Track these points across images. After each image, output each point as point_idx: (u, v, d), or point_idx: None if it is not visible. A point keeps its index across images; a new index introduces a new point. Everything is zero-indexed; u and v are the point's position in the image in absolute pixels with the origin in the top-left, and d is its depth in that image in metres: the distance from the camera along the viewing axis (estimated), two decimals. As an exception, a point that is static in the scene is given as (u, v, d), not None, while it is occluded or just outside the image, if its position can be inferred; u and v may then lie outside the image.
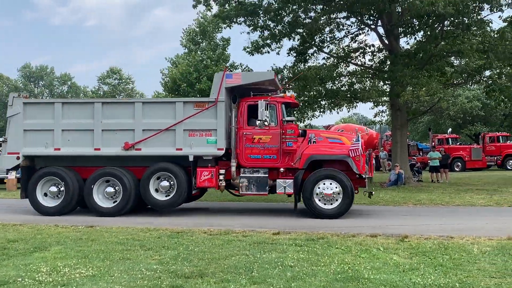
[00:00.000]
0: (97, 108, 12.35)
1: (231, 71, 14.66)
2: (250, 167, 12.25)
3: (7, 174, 20.31)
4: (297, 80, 20.62)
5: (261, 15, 21.77)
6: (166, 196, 12.30)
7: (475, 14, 20.19)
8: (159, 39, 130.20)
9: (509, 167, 34.56)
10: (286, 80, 21.34)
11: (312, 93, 22.30)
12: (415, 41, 22.21)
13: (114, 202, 12.35)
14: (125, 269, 6.62)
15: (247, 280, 6.01)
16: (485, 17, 20.56)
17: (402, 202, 15.01)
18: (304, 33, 22.13)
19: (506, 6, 20.69)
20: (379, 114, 26.16)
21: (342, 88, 23.09)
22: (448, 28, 20.91)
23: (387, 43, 21.64)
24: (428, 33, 20.76)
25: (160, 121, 12.19)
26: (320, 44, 23.43)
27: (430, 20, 20.45)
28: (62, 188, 12.45)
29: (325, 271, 6.42)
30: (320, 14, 21.09)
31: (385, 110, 26.57)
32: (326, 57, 23.95)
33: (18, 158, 12.54)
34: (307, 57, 23.54)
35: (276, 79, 12.75)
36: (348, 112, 40.96)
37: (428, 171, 25.86)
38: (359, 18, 22.30)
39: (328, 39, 23.66)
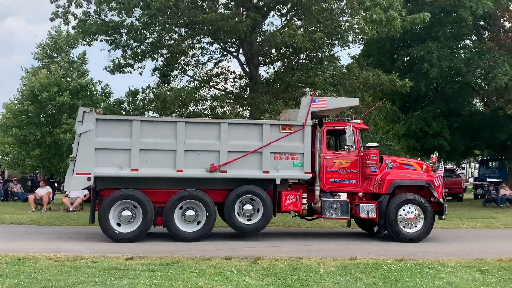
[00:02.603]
0: (180, 128, 11.46)
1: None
2: (330, 191, 12.23)
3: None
4: (156, 102, 20.44)
5: (124, 34, 21.33)
6: (247, 220, 11.79)
7: (328, 50, 21.92)
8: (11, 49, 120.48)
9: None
10: None
11: (173, 115, 22.21)
12: (274, 70, 23.39)
13: (192, 226, 11.55)
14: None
15: (93, 309, 5.68)
16: (335, 53, 22.44)
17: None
18: (168, 55, 22.11)
19: (354, 44, 22.85)
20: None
21: (204, 112, 23.37)
22: (304, 61, 22.37)
23: (248, 70, 22.45)
24: (285, 64, 21.98)
25: (246, 142, 11.74)
26: (184, 66, 23.58)
27: (287, 52, 21.72)
28: (137, 212, 11.34)
29: (177, 296, 6.32)
30: (184, 37, 21.26)
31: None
32: (189, 80, 24.18)
33: (89, 179, 11.10)
34: (171, 78, 23.53)
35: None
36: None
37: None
38: (222, 44, 22.88)
39: (193, 62, 23.94)
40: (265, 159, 11.73)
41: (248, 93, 22.62)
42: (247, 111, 23.32)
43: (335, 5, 19.51)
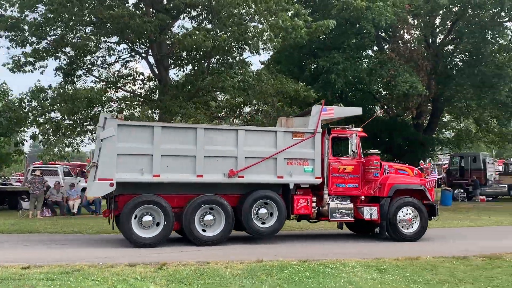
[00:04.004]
0: (200, 134, 11.77)
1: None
2: (335, 195, 12.85)
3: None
4: (65, 102, 19.45)
5: (26, 30, 20.09)
6: (262, 224, 12.16)
7: (238, 55, 22.12)
8: None
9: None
10: None
11: (79, 116, 21.28)
12: (184, 74, 23.17)
13: (210, 231, 11.80)
14: None
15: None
16: (246, 58, 22.69)
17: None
18: (73, 53, 21.15)
19: (264, 51, 23.32)
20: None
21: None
22: (214, 65, 22.38)
23: (157, 72, 22.05)
24: (196, 67, 21.85)
25: (262, 149, 12.24)
26: (90, 66, 22.66)
27: (198, 56, 21.62)
28: (158, 217, 11.43)
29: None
30: (89, 35, 20.46)
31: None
32: (95, 81, 23.27)
33: (111, 185, 11.06)
34: (75, 78, 22.50)
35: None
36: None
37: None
38: (130, 45, 22.30)
39: (99, 62, 23.07)
40: (279, 164, 12.30)
41: (157, 95, 22.23)
42: (156, 114, 22.88)
43: (244, 10, 19.72)
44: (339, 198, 12.96)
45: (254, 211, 12.15)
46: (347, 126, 13.64)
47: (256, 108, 24.16)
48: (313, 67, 28.17)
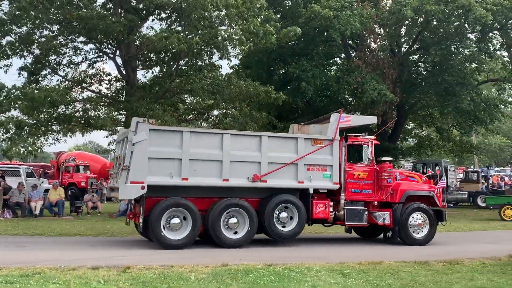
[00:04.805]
0: (226, 139, 12.09)
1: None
2: (350, 200, 13.19)
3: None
4: (25, 101, 19.00)
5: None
6: (282, 227, 12.50)
7: (207, 58, 22.10)
8: None
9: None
10: None
11: (42, 116, 20.81)
12: (152, 75, 22.98)
13: (234, 234, 12.14)
14: None
15: None
16: (215, 61, 22.68)
17: (129, 233, 14.99)
18: (38, 52, 20.70)
19: (234, 56, 23.38)
20: (113, 143, 25.92)
21: (76, 114, 22.19)
22: (183, 67, 22.30)
23: (125, 73, 21.82)
24: (164, 69, 21.71)
25: (284, 154, 12.58)
26: (55, 66, 22.22)
27: (167, 58, 21.50)
28: (184, 220, 11.73)
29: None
30: (56, 34, 20.09)
31: (121, 140, 26.53)
32: (61, 80, 22.81)
33: (143, 188, 11.30)
34: (40, 78, 22.03)
35: None
36: (82, 138, 39.53)
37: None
38: (98, 45, 21.99)
39: (65, 61, 22.65)
40: (300, 170, 12.68)
41: (124, 96, 21.97)
42: (123, 115, 22.60)
43: (215, 14, 19.74)
44: (354, 203, 13.37)
45: (276, 215, 12.48)
46: (360, 134, 14.15)
47: (224, 111, 24.18)
48: (282, 72, 28.36)
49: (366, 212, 13.36)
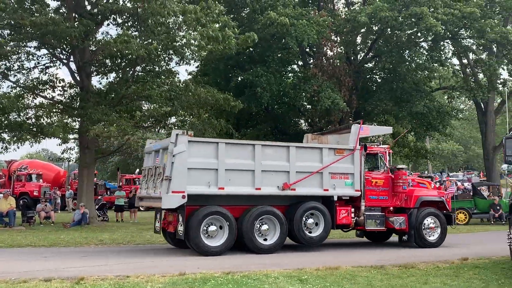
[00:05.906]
0: (258, 150, 12.75)
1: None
2: (369, 206, 13.97)
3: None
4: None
5: None
6: (308, 233, 13.14)
7: (165, 64, 21.85)
8: None
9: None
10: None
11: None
12: (108, 81, 22.52)
13: (264, 240, 12.67)
14: None
15: None
16: (173, 67, 22.44)
17: (84, 243, 14.63)
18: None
19: (194, 61, 23.22)
20: (67, 151, 25.22)
21: (27, 121, 21.50)
22: (140, 73, 21.97)
23: (79, 79, 21.31)
24: (120, 75, 21.33)
25: (310, 164, 13.29)
26: (6, 71, 21.48)
27: (123, 63, 21.14)
28: (222, 227, 12.19)
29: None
30: (7, 40, 19.43)
31: (74, 147, 25.90)
32: (12, 86, 22.06)
33: (183, 197, 11.79)
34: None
35: None
36: (31, 147, 38.30)
37: (114, 210, 26.03)
38: (51, 50, 21.41)
39: (16, 67, 21.92)
40: (324, 178, 13.41)
41: (78, 103, 21.44)
42: (77, 122, 22.03)
43: (172, 20, 19.57)
44: (372, 209, 14.16)
45: (303, 221, 13.07)
46: (375, 143, 15.09)
47: (182, 118, 23.94)
48: (239, 79, 28.36)
49: (384, 217, 14.20)
